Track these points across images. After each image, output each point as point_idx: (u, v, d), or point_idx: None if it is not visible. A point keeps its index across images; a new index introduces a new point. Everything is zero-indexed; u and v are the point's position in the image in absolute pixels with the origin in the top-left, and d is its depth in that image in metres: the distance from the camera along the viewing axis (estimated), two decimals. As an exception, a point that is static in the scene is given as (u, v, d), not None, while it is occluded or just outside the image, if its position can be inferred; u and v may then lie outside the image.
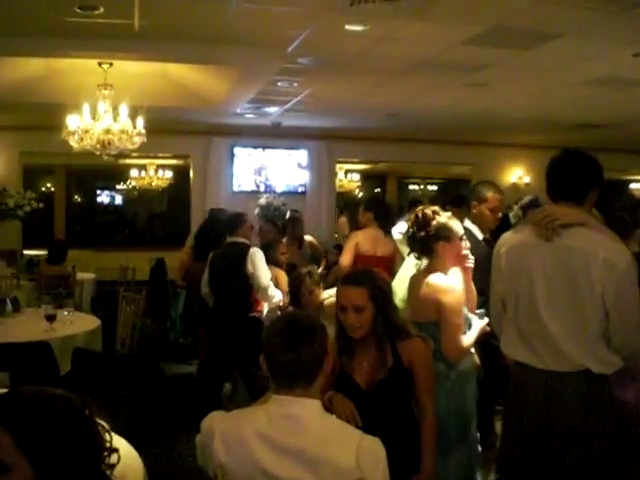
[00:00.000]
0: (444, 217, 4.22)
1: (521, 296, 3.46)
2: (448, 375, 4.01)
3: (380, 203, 8.54)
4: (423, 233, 4.22)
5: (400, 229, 6.56)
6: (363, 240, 7.47)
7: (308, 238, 9.62)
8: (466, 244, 4.32)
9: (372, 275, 3.52)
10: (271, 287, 6.60)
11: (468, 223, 5.26)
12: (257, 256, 6.62)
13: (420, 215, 4.28)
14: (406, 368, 3.37)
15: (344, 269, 7.29)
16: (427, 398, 3.40)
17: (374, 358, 3.38)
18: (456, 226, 4.24)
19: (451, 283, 4.07)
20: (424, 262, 4.31)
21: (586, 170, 3.48)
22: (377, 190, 21.76)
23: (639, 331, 3.29)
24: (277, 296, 6.60)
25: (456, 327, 3.98)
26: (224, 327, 6.72)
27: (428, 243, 4.20)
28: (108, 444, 2.09)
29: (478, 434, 4.24)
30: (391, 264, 7.13)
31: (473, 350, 4.31)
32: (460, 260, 4.29)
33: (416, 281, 4.25)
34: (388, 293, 3.49)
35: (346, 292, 3.41)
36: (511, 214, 6.22)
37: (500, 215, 5.40)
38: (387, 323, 3.38)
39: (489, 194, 5.37)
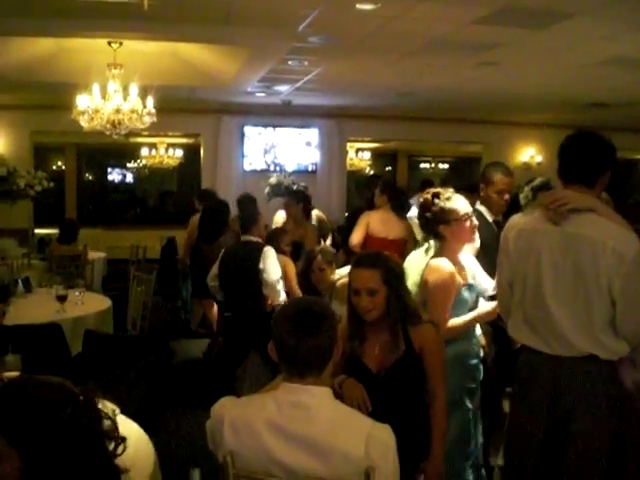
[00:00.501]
0: (443, 199, 4.17)
1: (528, 281, 3.43)
2: None
3: (395, 187, 8.55)
4: (425, 218, 4.25)
5: (414, 212, 6.57)
6: (375, 221, 7.48)
7: (316, 212, 9.57)
8: (473, 222, 4.25)
9: (385, 257, 3.50)
10: (280, 283, 6.52)
11: (478, 205, 5.23)
12: (270, 254, 6.53)
13: (422, 201, 4.30)
14: (417, 354, 3.35)
15: (353, 248, 7.33)
16: (438, 384, 3.38)
17: (386, 342, 3.37)
18: (458, 206, 4.18)
19: (440, 263, 4.05)
20: (432, 246, 4.31)
21: (598, 153, 3.44)
22: (388, 168, 21.71)
23: None
24: (283, 295, 6.56)
25: (437, 306, 3.95)
26: (234, 323, 6.69)
27: (430, 228, 4.23)
28: (114, 432, 2.08)
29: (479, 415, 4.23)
30: (402, 247, 7.14)
31: (479, 332, 4.28)
32: (467, 239, 4.25)
33: (424, 266, 4.24)
34: (401, 276, 3.47)
35: (359, 275, 3.39)
36: (521, 195, 6.15)
37: (507, 197, 5.26)
38: (400, 306, 3.35)
39: (496, 177, 5.24)
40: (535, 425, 3.39)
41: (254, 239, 6.71)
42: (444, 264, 4.04)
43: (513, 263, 3.53)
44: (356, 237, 7.53)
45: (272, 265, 6.51)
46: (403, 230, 7.52)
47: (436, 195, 4.21)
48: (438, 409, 3.36)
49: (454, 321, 4.00)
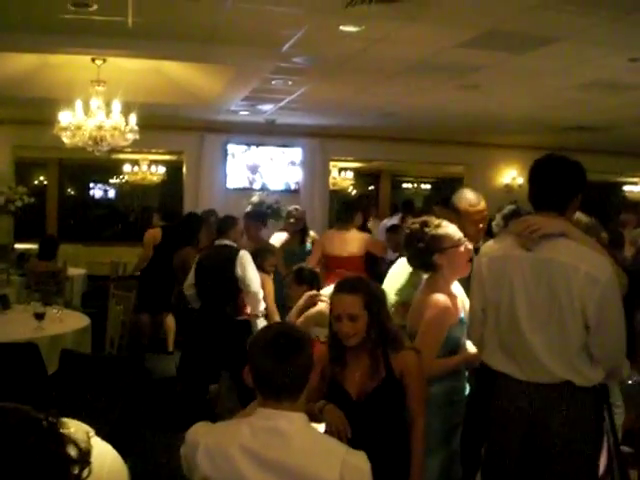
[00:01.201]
0: (433, 227, 3.99)
1: (502, 308, 3.41)
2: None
3: (343, 203, 8.70)
4: (415, 249, 4.03)
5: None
6: (329, 240, 7.56)
7: (312, 234, 9.56)
8: (467, 246, 4.04)
9: (366, 282, 3.45)
10: (260, 293, 6.62)
11: None
12: (246, 259, 6.60)
13: (409, 231, 4.11)
14: (397, 379, 3.31)
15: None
16: (418, 406, 3.35)
17: (366, 368, 3.32)
18: (450, 231, 4.00)
19: (439, 300, 3.82)
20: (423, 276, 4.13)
21: (568, 177, 3.42)
22: (371, 188, 21.75)
23: (620, 346, 3.28)
24: (263, 303, 6.64)
25: (428, 344, 3.72)
26: (212, 329, 6.68)
27: (423, 258, 3.99)
28: (79, 456, 2.05)
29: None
30: (360, 262, 7.34)
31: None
32: (463, 267, 4.01)
33: (416, 300, 4.05)
34: (382, 301, 3.44)
35: (340, 300, 3.35)
36: (493, 223, 6.08)
37: (481, 226, 4.93)
38: (381, 332, 3.32)
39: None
40: (512, 452, 3.37)
41: (229, 243, 6.75)
42: (442, 301, 3.81)
43: (486, 290, 3.50)
44: (311, 261, 7.48)
45: (251, 272, 6.58)
46: (360, 245, 7.61)
47: (425, 224, 4.02)
48: (417, 433, 3.33)
49: (444, 362, 3.81)
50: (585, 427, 3.27)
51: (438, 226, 4.01)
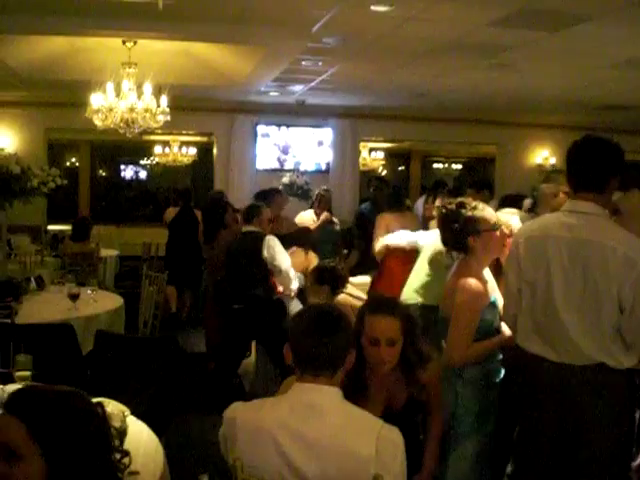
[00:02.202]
0: (470, 209, 3.94)
1: (538, 287, 3.40)
2: (459, 375, 3.80)
3: (393, 187, 8.82)
4: (450, 230, 3.98)
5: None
6: (392, 222, 7.50)
7: (325, 215, 9.63)
8: (503, 231, 4.01)
9: (403, 305, 3.44)
10: (291, 271, 6.70)
11: None
12: (273, 242, 6.72)
13: (445, 211, 4.06)
14: (421, 398, 3.33)
15: (377, 256, 7.28)
16: (437, 400, 3.39)
17: (394, 385, 3.31)
18: (487, 215, 3.95)
19: (472, 284, 3.76)
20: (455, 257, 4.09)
21: (607, 158, 3.39)
22: (401, 168, 21.68)
23: None
24: (295, 283, 6.72)
25: (462, 329, 3.71)
26: (244, 311, 6.75)
27: (458, 240, 3.94)
28: (120, 445, 2.12)
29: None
30: None
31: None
32: (497, 251, 4.03)
33: (448, 284, 3.99)
34: (416, 323, 3.37)
35: (379, 323, 3.24)
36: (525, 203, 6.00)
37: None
38: (415, 355, 3.28)
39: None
40: (545, 433, 3.38)
41: (255, 229, 6.83)
42: (475, 285, 3.76)
43: (522, 269, 3.49)
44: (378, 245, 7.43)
45: (280, 253, 6.67)
46: (417, 226, 7.59)
47: (461, 205, 3.97)
48: (436, 420, 3.34)
49: (480, 345, 3.78)
50: (618, 409, 3.26)
51: (475, 208, 3.96)
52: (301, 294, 6.77)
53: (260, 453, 2.53)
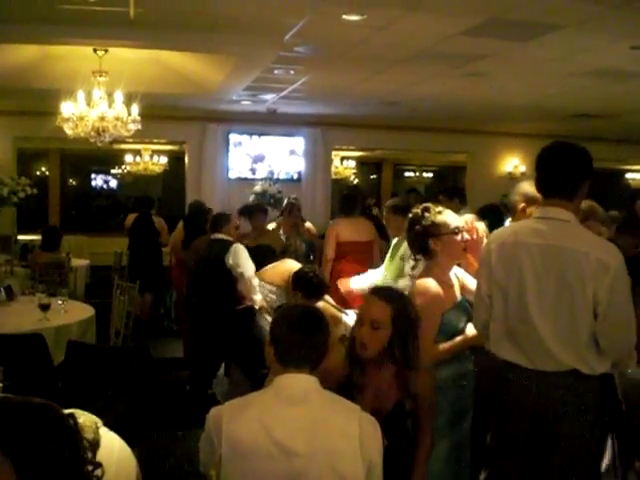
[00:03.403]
0: (433, 213, 4.07)
1: (510, 294, 3.41)
2: None
3: (343, 193, 8.91)
4: (414, 232, 4.11)
5: None
6: (342, 228, 7.62)
7: (308, 225, 9.70)
8: (464, 236, 4.11)
9: (404, 298, 3.40)
10: (254, 280, 6.68)
11: None
12: (239, 249, 6.80)
13: (411, 215, 4.19)
14: (411, 396, 3.30)
15: (328, 262, 7.42)
16: (427, 419, 3.35)
17: (382, 386, 3.29)
18: (447, 220, 4.06)
19: (427, 284, 3.87)
20: (419, 264, 4.23)
21: (576, 163, 3.40)
22: (373, 176, 21.75)
23: (628, 335, 3.27)
24: (259, 294, 6.62)
25: (423, 331, 3.57)
26: (213, 321, 6.79)
27: (420, 242, 4.08)
28: (92, 457, 2.09)
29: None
30: (371, 249, 7.57)
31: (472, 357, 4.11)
32: (458, 254, 4.14)
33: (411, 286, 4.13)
34: (413, 321, 3.30)
35: (369, 303, 3.30)
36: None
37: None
38: (403, 353, 3.23)
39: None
40: (517, 440, 3.38)
41: (223, 237, 6.90)
42: (431, 285, 3.87)
43: (494, 276, 3.49)
44: (329, 252, 7.60)
45: (244, 260, 6.70)
46: (371, 232, 7.78)
47: (426, 209, 4.11)
48: (424, 443, 3.32)
49: (442, 346, 3.84)
50: (590, 416, 3.27)
51: (439, 213, 4.09)
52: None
53: (249, 440, 2.59)
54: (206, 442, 2.73)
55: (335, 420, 2.64)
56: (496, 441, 3.61)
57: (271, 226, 9.28)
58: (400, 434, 3.29)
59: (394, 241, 6.16)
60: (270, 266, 6.73)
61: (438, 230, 4.02)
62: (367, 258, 7.35)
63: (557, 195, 3.38)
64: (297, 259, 6.63)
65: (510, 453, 3.43)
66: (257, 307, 6.58)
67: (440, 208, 4.15)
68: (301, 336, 2.74)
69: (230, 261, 6.72)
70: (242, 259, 6.72)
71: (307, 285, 5.48)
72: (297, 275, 5.67)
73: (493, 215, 6.06)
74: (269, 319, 6.45)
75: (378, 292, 3.37)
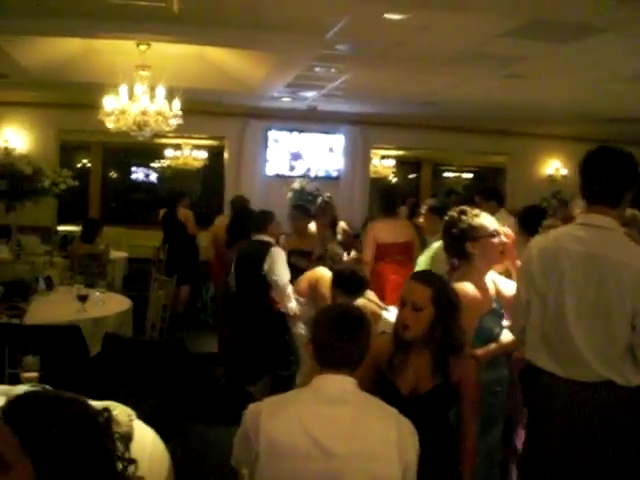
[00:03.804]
0: (470, 216, 4.04)
1: (549, 301, 3.37)
2: None
3: (383, 192, 8.67)
4: (450, 236, 4.09)
5: None
6: (380, 229, 7.51)
7: (342, 225, 9.64)
8: (501, 239, 4.10)
9: (443, 281, 3.44)
10: (289, 288, 6.50)
11: None
12: (276, 255, 6.55)
13: (448, 218, 4.16)
14: (453, 386, 3.28)
15: (366, 266, 7.28)
16: (471, 413, 3.34)
17: (423, 368, 3.29)
18: (485, 223, 4.04)
19: (464, 288, 3.83)
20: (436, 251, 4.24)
21: (622, 170, 3.33)
22: (412, 176, 21.65)
23: None
24: (293, 302, 6.48)
25: None
26: (248, 323, 6.75)
27: (457, 245, 4.05)
28: (126, 454, 2.08)
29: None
30: (412, 250, 7.34)
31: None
32: (495, 258, 4.12)
33: None
34: (455, 304, 3.33)
35: (410, 286, 3.33)
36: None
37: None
38: (445, 334, 3.25)
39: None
40: (551, 450, 3.34)
41: (265, 238, 6.72)
42: (468, 289, 3.84)
43: (534, 281, 3.45)
44: (368, 255, 7.47)
45: (279, 268, 6.49)
46: (410, 232, 7.63)
47: (463, 212, 4.08)
48: (469, 435, 3.32)
49: (478, 352, 3.82)
50: (625, 428, 3.23)
51: (476, 216, 4.06)
52: None
53: (288, 437, 2.59)
54: (242, 438, 2.72)
55: (373, 424, 2.64)
56: (530, 449, 3.57)
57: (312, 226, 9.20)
58: (436, 418, 3.30)
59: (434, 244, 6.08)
60: (302, 277, 6.57)
61: (475, 233, 3.99)
62: (407, 259, 7.23)
63: (601, 202, 3.34)
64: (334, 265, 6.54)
65: (543, 463, 3.40)
66: (291, 314, 6.49)
67: (477, 211, 4.13)
68: (339, 338, 2.73)
69: (266, 266, 6.52)
70: (278, 266, 6.50)
71: (347, 282, 5.46)
72: (336, 272, 5.66)
73: (536, 217, 5.95)
74: (301, 327, 6.44)
75: (418, 276, 3.45)
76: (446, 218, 4.20)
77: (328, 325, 2.78)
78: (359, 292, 5.42)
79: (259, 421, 2.63)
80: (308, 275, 6.46)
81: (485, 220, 4.07)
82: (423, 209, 6.66)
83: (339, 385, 2.71)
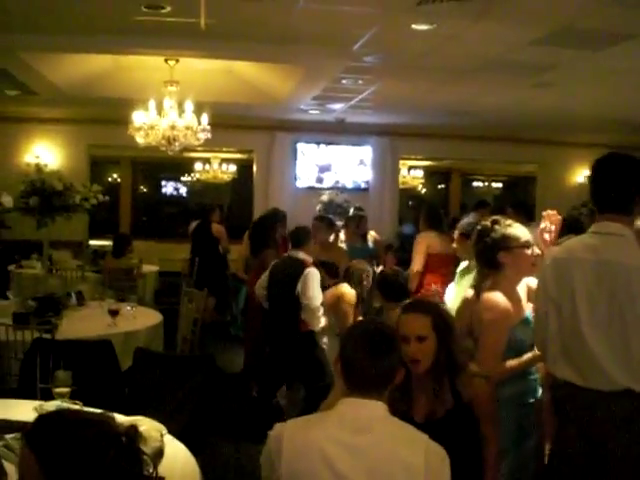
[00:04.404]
0: (503, 226, 3.99)
1: (564, 311, 3.34)
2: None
3: (428, 206, 8.58)
4: (482, 245, 4.02)
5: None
6: (432, 241, 7.44)
7: (372, 234, 9.65)
8: (534, 250, 4.04)
9: (435, 304, 3.43)
10: (320, 311, 6.34)
11: None
12: (310, 277, 6.35)
13: (479, 228, 4.11)
14: (467, 405, 3.22)
15: (415, 275, 7.23)
16: (490, 432, 3.27)
17: (432, 395, 3.23)
18: (518, 233, 3.97)
19: (496, 299, 3.80)
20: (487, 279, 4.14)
21: (631, 176, 3.32)
22: (441, 186, 21.59)
23: None
24: (323, 321, 6.36)
25: (490, 346, 3.73)
26: (277, 337, 6.71)
27: (488, 255, 3.98)
28: (154, 473, 2.07)
29: None
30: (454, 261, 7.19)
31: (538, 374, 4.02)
32: (527, 269, 4.02)
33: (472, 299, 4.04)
34: (451, 325, 3.33)
35: (408, 320, 3.25)
36: None
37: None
38: (449, 357, 3.21)
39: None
40: (573, 461, 3.31)
41: (301, 257, 6.64)
42: (500, 300, 3.80)
43: (548, 292, 3.43)
44: (418, 265, 7.38)
45: (313, 290, 6.31)
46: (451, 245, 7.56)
47: (495, 222, 4.03)
48: (490, 457, 3.27)
49: (510, 363, 3.78)
50: None
51: (509, 225, 4.00)
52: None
53: (308, 466, 2.52)
54: (266, 460, 2.66)
55: (400, 452, 2.51)
56: (553, 461, 3.55)
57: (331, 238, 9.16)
58: (456, 443, 3.20)
59: (462, 264, 6.03)
60: (326, 293, 6.45)
61: (509, 243, 3.92)
62: (449, 273, 7.16)
63: (612, 210, 3.32)
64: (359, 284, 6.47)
65: (565, 473, 3.36)
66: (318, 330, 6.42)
67: (510, 221, 4.07)
68: (369, 361, 2.60)
69: (299, 287, 6.34)
70: (311, 289, 6.30)
71: (386, 287, 5.44)
72: (380, 276, 5.64)
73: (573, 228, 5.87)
74: (325, 341, 6.40)
75: (412, 308, 3.33)
76: (478, 227, 4.15)
77: (357, 343, 2.65)
78: (398, 300, 5.36)
79: (281, 446, 2.57)
80: (332, 291, 6.41)
81: (518, 230, 4.00)
82: (455, 233, 6.58)
83: (366, 412, 2.59)
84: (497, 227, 3.99)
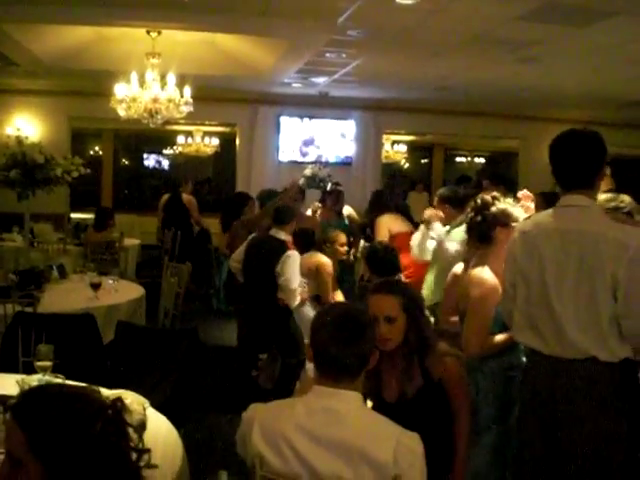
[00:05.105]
0: (504, 202, 4.09)
1: (532, 281, 3.38)
2: (479, 368, 3.84)
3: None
4: (480, 218, 4.07)
5: None
6: (390, 221, 7.52)
7: (347, 210, 9.67)
8: None
9: (404, 284, 3.48)
10: (297, 291, 6.40)
11: None
12: (291, 260, 6.46)
13: (479, 201, 4.15)
14: (436, 383, 3.26)
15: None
16: (461, 406, 3.31)
17: (402, 372, 3.26)
18: (517, 212, 4.09)
19: (484, 275, 3.87)
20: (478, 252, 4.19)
21: (590, 153, 3.34)
22: (424, 161, 21.61)
23: None
24: (297, 299, 6.40)
25: (478, 322, 3.78)
26: (254, 312, 6.83)
27: (484, 228, 4.05)
28: (139, 444, 2.08)
29: None
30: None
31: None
32: None
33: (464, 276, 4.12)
34: (420, 304, 3.38)
35: (377, 301, 3.27)
36: None
37: None
38: (418, 336, 3.25)
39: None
40: (537, 429, 3.35)
41: (283, 237, 6.70)
42: (487, 276, 3.86)
43: (517, 264, 3.47)
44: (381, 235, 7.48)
45: (292, 273, 6.40)
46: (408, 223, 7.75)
47: (496, 198, 4.11)
48: (460, 431, 3.29)
49: (497, 338, 3.83)
50: (611, 404, 3.21)
51: (508, 204, 4.11)
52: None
53: (277, 452, 2.52)
54: (240, 439, 2.67)
55: (369, 447, 2.45)
56: (518, 431, 3.58)
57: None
58: (428, 421, 3.19)
59: (442, 229, 6.09)
60: (300, 261, 6.43)
61: (508, 219, 4.01)
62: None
63: (575, 186, 3.34)
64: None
65: (531, 444, 3.40)
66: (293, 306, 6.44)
67: (509, 200, 4.18)
68: (341, 347, 2.54)
69: (278, 268, 6.50)
70: (289, 272, 6.41)
71: (375, 262, 5.46)
72: (368, 250, 5.66)
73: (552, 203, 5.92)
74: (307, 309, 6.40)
75: (380, 288, 3.35)
76: (478, 201, 4.18)
77: (328, 331, 2.58)
78: (388, 275, 5.35)
79: (252, 430, 2.56)
80: (306, 260, 6.36)
81: (516, 210, 4.12)
82: (434, 200, 6.62)
83: (336, 402, 2.54)
84: (497, 203, 4.08)
